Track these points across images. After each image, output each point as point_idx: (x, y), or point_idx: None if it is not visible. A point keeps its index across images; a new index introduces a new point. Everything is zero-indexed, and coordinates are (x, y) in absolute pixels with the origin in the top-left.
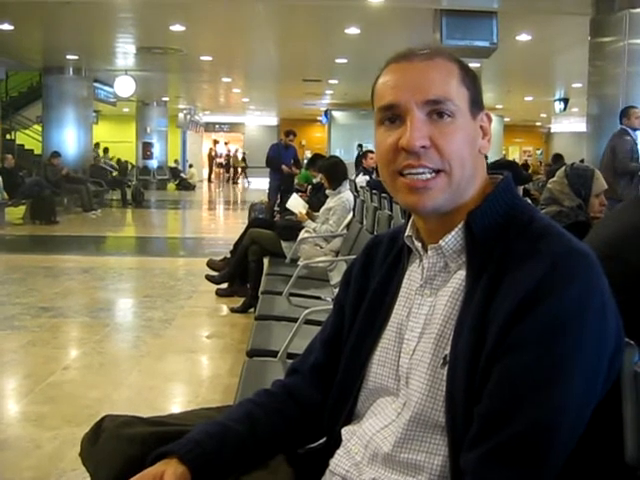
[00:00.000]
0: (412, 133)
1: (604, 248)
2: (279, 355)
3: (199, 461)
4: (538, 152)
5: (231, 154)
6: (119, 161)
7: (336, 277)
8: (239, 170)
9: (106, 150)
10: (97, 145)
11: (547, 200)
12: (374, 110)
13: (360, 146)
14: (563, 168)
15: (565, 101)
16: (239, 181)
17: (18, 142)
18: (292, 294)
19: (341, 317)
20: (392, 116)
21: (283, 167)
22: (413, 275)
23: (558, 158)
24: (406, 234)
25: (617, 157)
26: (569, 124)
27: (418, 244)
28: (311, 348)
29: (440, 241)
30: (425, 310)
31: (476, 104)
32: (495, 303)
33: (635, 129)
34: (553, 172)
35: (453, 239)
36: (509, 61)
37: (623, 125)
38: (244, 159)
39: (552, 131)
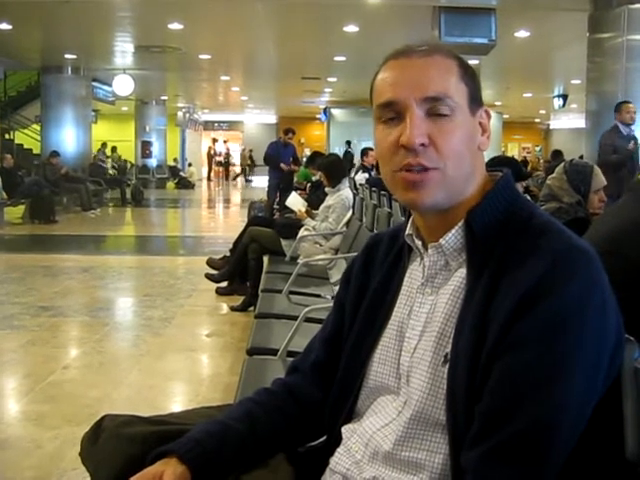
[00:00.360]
0: (411, 130)
1: (604, 244)
2: (279, 353)
3: (199, 460)
4: (537, 149)
5: (240, 153)
6: (118, 160)
7: (336, 275)
8: (246, 169)
9: (114, 149)
10: (104, 145)
11: (546, 196)
12: (373, 107)
13: (348, 143)
14: (562, 164)
15: (564, 97)
16: (249, 179)
17: (17, 142)
18: (292, 292)
19: (341, 315)
20: (391, 113)
21: (282, 165)
22: (414, 274)
23: (557, 154)
24: (406, 233)
25: (600, 151)
26: (568, 120)
27: (418, 242)
28: (311, 346)
29: (440, 239)
30: (426, 308)
31: (475, 100)
32: (496, 301)
33: (627, 124)
34: (552, 168)
35: (453, 237)
36: (508, 58)
37: (616, 120)
38: (251, 157)
39: (551, 127)
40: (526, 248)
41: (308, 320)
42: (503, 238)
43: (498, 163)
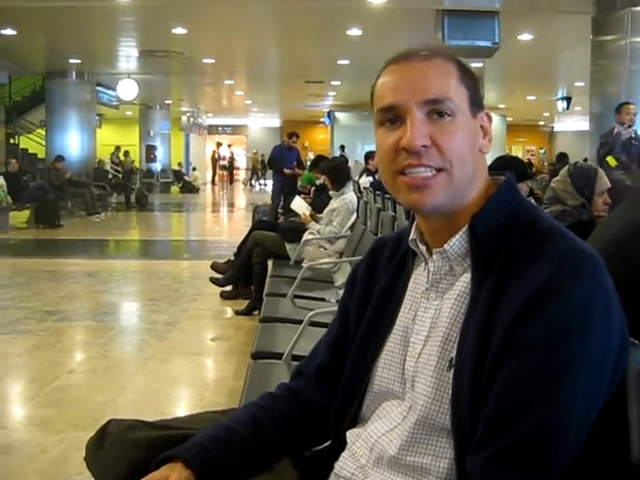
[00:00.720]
0: (413, 133)
1: (608, 247)
2: (284, 357)
3: (204, 465)
4: (541, 151)
5: (250, 156)
6: (131, 163)
7: (340, 279)
8: (258, 172)
9: (127, 153)
10: (118, 148)
11: (550, 199)
12: (374, 111)
13: (342, 147)
14: (566, 167)
15: (568, 100)
16: (252, 183)
17: (22, 146)
18: (296, 296)
19: (346, 319)
20: (392, 117)
21: (285, 170)
22: (419, 278)
23: (562, 157)
24: (410, 237)
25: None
26: (572, 123)
27: (423, 247)
28: (316, 351)
29: (445, 245)
30: (431, 313)
31: (476, 103)
32: (501, 306)
33: (628, 125)
34: (557, 171)
35: (458, 243)
36: (511, 61)
37: (616, 121)
38: (263, 161)
39: (555, 130)
40: (531, 252)
41: (313, 324)
42: (507, 242)
43: (503, 162)
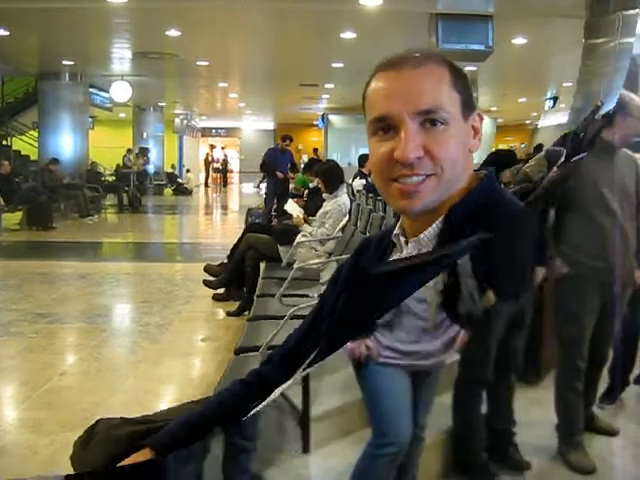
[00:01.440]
0: (406, 146)
1: None
2: (261, 349)
3: (168, 446)
4: (522, 145)
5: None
6: (117, 167)
7: (326, 276)
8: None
9: (139, 155)
10: (130, 151)
11: (520, 182)
12: (366, 118)
13: (315, 150)
14: (543, 151)
15: (554, 99)
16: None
17: (14, 148)
18: (285, 295)
19: (321, 309)
20: (385, 126)
21: (278, 173)
22: None
23: (539, 148)
24: (394, 232)
25: None
26: (555, 119)
27: (402, 239)
28: (288, 339)
29: (420, 234)
30: None
31: (468, 105)
32: None
33: None
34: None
35: (432, 231)
36: (505, 64)
37: None
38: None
39: (539, 127)
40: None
41: (296, 318)
42: (475, 224)
43: (496, 156)
